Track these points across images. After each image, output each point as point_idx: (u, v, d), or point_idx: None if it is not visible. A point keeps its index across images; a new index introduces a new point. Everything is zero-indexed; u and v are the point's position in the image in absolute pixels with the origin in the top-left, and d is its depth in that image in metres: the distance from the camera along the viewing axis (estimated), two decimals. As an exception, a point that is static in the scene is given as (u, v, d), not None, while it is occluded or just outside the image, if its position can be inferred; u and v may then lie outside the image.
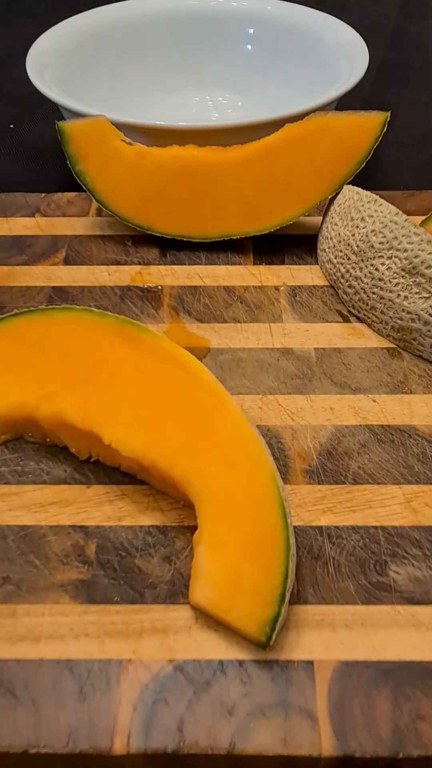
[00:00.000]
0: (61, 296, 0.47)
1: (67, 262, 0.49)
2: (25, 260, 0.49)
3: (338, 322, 0.45)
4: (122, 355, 0.36)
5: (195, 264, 0.49)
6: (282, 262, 0.49)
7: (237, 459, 0.32)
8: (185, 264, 0.49)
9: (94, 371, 0.36)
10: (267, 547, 0.30)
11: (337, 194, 0.47)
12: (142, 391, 0.35)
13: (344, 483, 0.36)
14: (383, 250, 0.42)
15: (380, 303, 0.43)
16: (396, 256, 0.41)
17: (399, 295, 0.42)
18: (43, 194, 0.55)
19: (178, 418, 0.34)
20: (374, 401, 0.40)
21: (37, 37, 0.62)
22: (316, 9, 0.66)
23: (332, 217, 0.46)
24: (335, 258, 0.46)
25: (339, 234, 0.45)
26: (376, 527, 0.34)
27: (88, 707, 0.28)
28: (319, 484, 0.36)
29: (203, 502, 0.32)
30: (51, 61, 0.60)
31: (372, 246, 0.42)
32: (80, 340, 0.37)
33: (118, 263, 0.49)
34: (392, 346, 0.43)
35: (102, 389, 0.35)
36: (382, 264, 0.42)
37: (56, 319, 0.38)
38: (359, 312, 0.45)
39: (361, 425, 0.39)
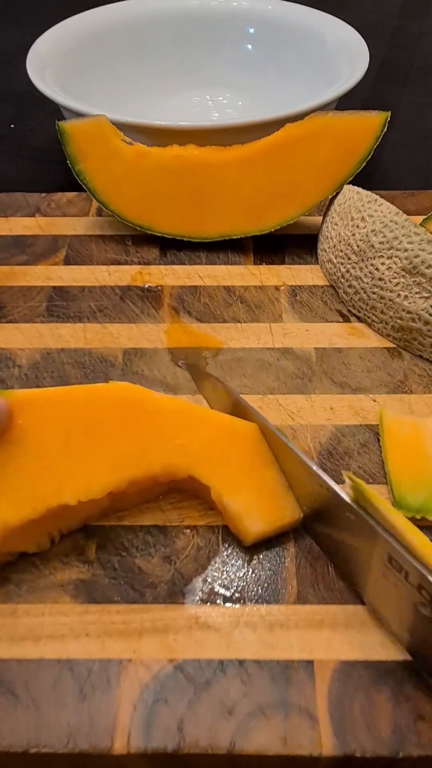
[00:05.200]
0: (61, 296, 0.47)
1: (68, 261, 0.49)
2: (26, 260, 0.49)
3: (338, 321, 0.45)
4: (95, 417, 0.35)
5: (195, 264, 0.49)
6: (282, 262, 0.49)
7: (205, 427, 0.35)
8: (185, 264, 0.49)
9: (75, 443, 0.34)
10: (262, 462, 0.34)
11: (337, 194, 0.47)
12: (128, 440, 0.34)
13: (344, 482, 0.36)
14: (383, 249, 0.42)
15: (380, 303, 0.43)
16: (396, 256, 0.41)
17: (399, 295, 0.42)
18: (44, 194, 0.55)
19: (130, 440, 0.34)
20: (374, 401, 0.40)
21: (37, 37, 0.62)
22: (317, 9, 0.66)
23: (332, 217, 0.46)
24: (335, 258, 0.46)
25: (339, 234, 0.45)
26: (376, 527, 0.34)
27: (89, 707, 0.28)
28: (319, 483, 0.36)
29: (200, 467, 0.34)
30: (51, 61, 0.60)
31: (372, 246, 0.42)
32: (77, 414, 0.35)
33: (119, 263, 0.49)
34: (392, 345, 0.43)
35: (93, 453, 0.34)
36: (383, 264, 0.42)
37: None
38: (359, 312, 0.45)
39: (361, 425, 0.39)
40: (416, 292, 0.41)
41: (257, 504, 0.33)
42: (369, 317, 0.44)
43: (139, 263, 0.49)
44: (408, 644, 0.29)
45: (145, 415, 0.35)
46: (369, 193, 0.44)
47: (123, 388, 0.35)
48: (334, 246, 0.46)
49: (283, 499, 0.34)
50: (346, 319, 0.45)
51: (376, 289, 0.43)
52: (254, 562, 0.33)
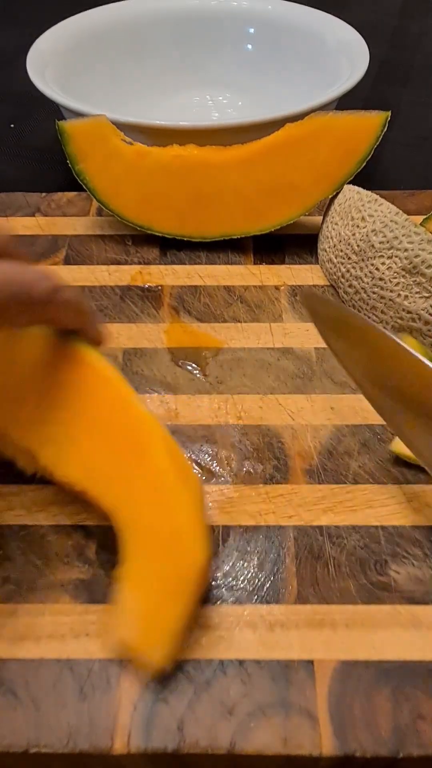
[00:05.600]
0: (61, 296, 0.46)
1: (68, 261, 0.49)
2: (26, 260, 0.49)
3: (338, 321, 0.45)
4: (64, 374, 0.35)
5: (195, 264, 0.49)
6: (282, 262, 0.49)
7: (163, 495, 0.31)
8: (185, 264, 0.49)
9: (35, 389, 0.35)
10: (182, 591, 0.29)
11: (337, 194, 0.47)
12: (80, 413, 0.34)
13: (344, 483, 0.36)
14: (383, 249, 0.42)
15: (381, 302, 0.43)
16: (396, 256, 0.41)
17: (399, 295, 0.42)
18: (44, 194, 0.55)
19: (111, 445, 0.33)
20: (374, 401, 0.40)
21: (37, 37, 0.62)
22: (317, 9, 0.66)
23: (333, 217, 0.46)
24: (336, 257, 0.46)
25: (339, 233, 0.45)
26: (376, 527, 0.34)
27: (89, 707, 0.28)
28: (319, 483, 0.36)
29: (128, 536, 0.31)
30: (51, 61, 0.60)
31: (372, 245, 0.42)
32: (31, 356, 0.36)
33: (119, 263, 0.49)
34: (392, 345, 0.43)
35: (44, 407, 0.34)
36: (383, 263, 0.42)
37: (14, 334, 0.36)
38: (360, 311, 0.45)
39: (361, 425, 0.39)
40: (416, 292, 0.41)
41: (143, 623, 0.29)
42: (369, 317, 0.44)
43: (139, 263, 0.49)
44: None
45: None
46: (369, 193, 0.44)
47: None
48: (335, 246, 0.46)
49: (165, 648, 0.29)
50: (346, 319, 0.45)
51: (376, 289, 0.43)
52: (254, 562, 0.33)
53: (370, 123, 0.46)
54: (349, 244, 0.44)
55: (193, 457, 0.37)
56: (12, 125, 0.69)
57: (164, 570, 0.30)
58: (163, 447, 0.32)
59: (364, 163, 0.46)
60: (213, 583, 0.32)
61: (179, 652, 0.29)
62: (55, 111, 0.58)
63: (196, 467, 0.37)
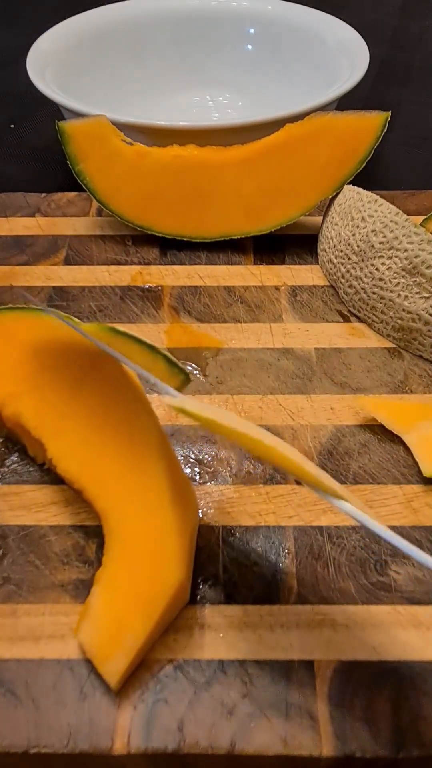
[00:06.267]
0: (61, 296, 0.47)
1: (68, 261, 0.49)
2: (26, 260, 0.49)
3: (339, 322, 0.45)
4: (84, 371, 0.35)
5: (195, 264, 0.49)
6: (282, 262, 0.49)
7: (154, 513, 0.31)
8: (185, 264, 0.49)
9: (59, 379, 0.35)
10: (150, 611, 0.29)
11: (337, 194, 0.47)
12: (94, 412, 0.34)
13: (345, 483, 0.36)
14: (383, 250, 0.42)
15: (380, 303, 0.43)
16: (396, 256, 0.41)
17: (399, 295, 0.42)
18: (44, 194, 0.55)
19: (116, 450, 0.33)
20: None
21: (37, 37, 0.62)
22: (317, 9, 0.66)
23: (333, 217, 0.46)
24: (336, 258, 0.46)
25: (339, 234, 0.45)
26: (376, 527, 0.34)
27: (89, 707, 0.28)
28: (319, 484, 0.36)
29: (112, 542, 0.31)
30: (51, 61, 0.60)
31: (372, 246, 0.42)
32: (55, 345, 0.36)
33: (119, 263, 0.49)
34: (392, 346, 0.43)
35: (60, 400, 0.35)
36: (383, 264, 0.42)
37: (39, 320, 0.37)
38: (360, 312, 0.45)
39: (361, 425, 0.39)
40: (416, 292, 0.41)
41: (108, 632, 0.29)
42: (369, 317, 0.44)
43: (139, 263, 0.49)
44: None
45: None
46: (369, 193, 0.44)
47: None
48: (334, 246, 0.46)
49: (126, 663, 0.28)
50: (347, 320, 0.45)
51: (376, 290, 0.43)
52: (254, 562, 0.33)
53: (370, 123, 0.46)
54: (349, 245, 0.44)
55: (193, 457, 0.37)
56: (12, 125, 0.69)
57: (137, 586, 0.29)
58: (164, 465, 0.32)
59: (364, 164, 0.46)
60: (213, 583, 0.32)
61: (132, 670, 0.29)
62: (55, 111, 0.59)
63: (196, 467, 0.37)
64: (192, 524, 0.32)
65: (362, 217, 0.43)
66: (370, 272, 0.43)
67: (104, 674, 0.28)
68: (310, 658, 0.30)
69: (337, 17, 0.65)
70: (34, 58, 0.59)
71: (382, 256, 0.42)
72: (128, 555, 0.30)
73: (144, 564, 0.30)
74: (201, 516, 0.35)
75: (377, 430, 0.38)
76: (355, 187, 0.45)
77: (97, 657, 0.29)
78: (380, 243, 0.42)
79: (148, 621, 0.29)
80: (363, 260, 0.43)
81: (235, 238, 0.49)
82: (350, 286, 0.45)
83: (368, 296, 0.43)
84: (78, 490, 0.33)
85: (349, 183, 0.47)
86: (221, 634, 0.30)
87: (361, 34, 0.62)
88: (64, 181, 0.58)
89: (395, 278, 0.42)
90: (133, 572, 0.30)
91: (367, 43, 0.60)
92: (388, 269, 0.42)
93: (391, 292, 0.42)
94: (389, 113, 0.46)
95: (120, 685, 0.29)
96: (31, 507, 0.35)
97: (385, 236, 0.42)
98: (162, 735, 0.28)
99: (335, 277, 0.46)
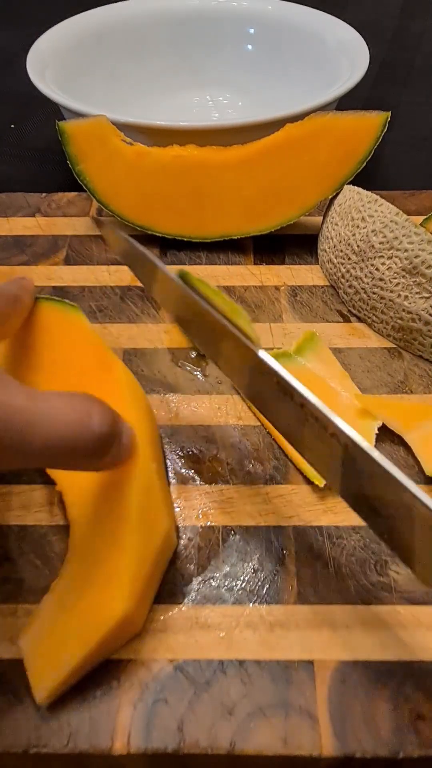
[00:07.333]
0: (61, 296, 0.46)
1: (68, 261, 0.49)
2: (26, 260, 0.49)
3: (339, 322, 0.45)
4: (84, 373, 0.35)
5: (195, 264, 0.49)
6: (282, 262, 0.49)
7: (117, 538, 0.29)
8: (185, 264, 0.49)
9: (58, 379, 0.36)
10: (88, 638, 0.28)
11: (337, 194, 0.47)
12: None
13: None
14: (384, 250, 0.42)
15: (381, 303, 0.43)
16: (396, 256, 0.41)
17: (399, 295, 0.42)
18: (44, 194, 0.55)
19: None
20: (374, 401, 0.40)
21: (37, 37, 0.62)
22: (317, 9, 0.66)
23: (333, 217, 0.46)
24: (336, 258, 0.46)
25: (339, 234, 0.45)
26: (376, 527, 0.34)
27: (89, 707, 0.28)
28: (319, 484, 0.36)
29: (72, 556, 0.31)
30: (51, 61, 0.60)
31: (372, 246, 0.42)
32: (55, 345, 0.37)
33: (119, 263, 0.49)
34: (393, 346, 0.43)
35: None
36: (383, 264, 0.42)
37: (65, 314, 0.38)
38: (360, 312, 0.45)
39: (361, 425, 0.39)
40: (416, 293, 0.41)
41: (47, 645, 0.29)
42: (369, 317, 0.44)
43: (139, 263, 0.49)
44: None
45: None
46: (369, 193, 0.44)
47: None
48: (334, 246, 0.46)
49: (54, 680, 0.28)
50: (347, 320, 0.45)
51: (376, 290, 0.43)
52: (254, 562, 0.33)
53: (370, 123, 0.46)
54: (349, 245, 0.44)
55: (193, 457, 0.37)
56: (12, 125, 0.69)
57: (83, 608, 0.29)
58: (141, 488, 0.30)
59: (364, 164, 0.46)
60: (213, 583, 0.32)
61: (62, 690, 0.28)
62: (55, 111, 0.58)
63: (196, 467, 0.37)
64: (157, 550, 0.30)
65: (362, 217, 0.43)
66: (370, 272, 0.43)
67: (33, 687, 0.28)
68: (310, 658, 0.30)
69: (337, 17, 0.65)
70: (34, 58, 0.59)
71: (382, 256, 0.42)
72: (83, 574, 0.30)
73: (94, 588, 0.29)
74: (201, 516, 0.35)
75: (378, 429, 0.38)
76: (355, 187, 0.45)
77: (31, 668, 0.28)
78: (380, 243, 0.42)
79: (84, 648, 0.27)
80: (363, 260, 0.43)
81: (235, 238, 0.49)
82: (350, 286, 0.45)
83: (368, 296, 0.43)
84: (59, 492, 0.34)
85: (349, 183, 0.47)
86: (221, 634, 0.30)
87: (361, 34, 0.62)
88: (64, 181, 0.58)
89: (395, 278, 0.42)
90: (82, 593, 0.29)
91: (367, 43, 0.60)
92: (388, 269, 0.42)
93: (391, 292, 0.42)
94: (389, 113, 0.46)
95: (48, 702, 0.28)
96: (31, 507, 0.35)
97: (385, 236, 0.42)
98: (162, 735, 0.28)
99: (335, 277, 0.46)
